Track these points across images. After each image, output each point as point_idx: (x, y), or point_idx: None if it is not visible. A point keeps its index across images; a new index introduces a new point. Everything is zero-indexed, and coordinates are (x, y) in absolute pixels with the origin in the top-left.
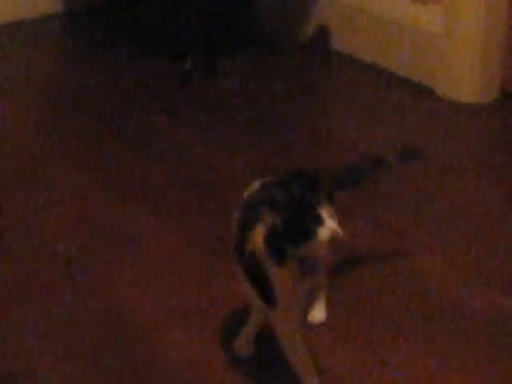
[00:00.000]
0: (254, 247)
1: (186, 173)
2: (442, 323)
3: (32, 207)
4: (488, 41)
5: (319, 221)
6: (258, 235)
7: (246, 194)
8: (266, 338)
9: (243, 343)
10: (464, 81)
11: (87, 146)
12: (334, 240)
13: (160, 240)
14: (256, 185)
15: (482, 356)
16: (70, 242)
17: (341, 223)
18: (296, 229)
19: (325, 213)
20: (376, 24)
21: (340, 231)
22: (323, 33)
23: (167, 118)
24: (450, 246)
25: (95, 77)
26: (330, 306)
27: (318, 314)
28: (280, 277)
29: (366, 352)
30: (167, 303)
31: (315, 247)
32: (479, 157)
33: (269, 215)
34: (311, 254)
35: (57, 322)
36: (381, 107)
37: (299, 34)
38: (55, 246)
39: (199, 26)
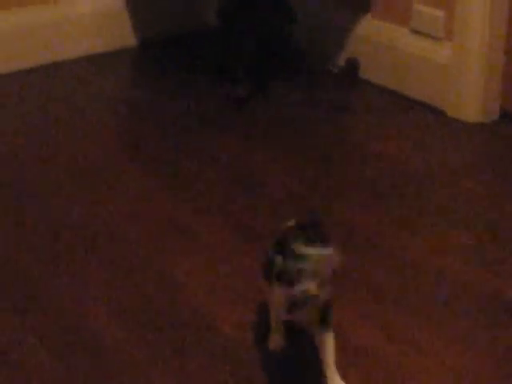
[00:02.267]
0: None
1: (235, 176)
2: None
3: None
4: (489, 71)
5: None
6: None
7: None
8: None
9: (277, 338)
10: (470, 104)
11: (153, 154)
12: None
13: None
14: (291, 222)
15: (477, 329)
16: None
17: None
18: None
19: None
20: (398, 56)
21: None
22: (353, 64)
23: (222, 133)
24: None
25: (161, 100)
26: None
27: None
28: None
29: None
30: (218, 286)
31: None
32: (479, 164)
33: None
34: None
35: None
36: (401, 126)
37: (333, 65)
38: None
39: (252, 58)
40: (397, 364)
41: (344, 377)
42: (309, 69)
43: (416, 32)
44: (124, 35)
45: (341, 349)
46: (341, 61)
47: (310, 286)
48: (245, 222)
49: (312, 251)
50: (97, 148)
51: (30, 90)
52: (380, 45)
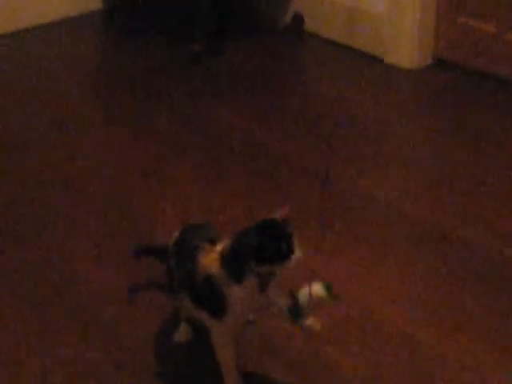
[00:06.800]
0: (207, 272)
1: (196, 121)
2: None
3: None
4: (422, 20)
5: (292, 248)
6: (211, 261)
7: (171, 243)
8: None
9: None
10: (404, 51)
11: (123, 107)
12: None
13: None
14: (176, 233)
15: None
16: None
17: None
18: (272, 251)
19: (296, 242)
20: (339, 10)
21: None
22: (299, 19)
23: (181, 85)
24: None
25: (127, 58)
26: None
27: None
28: (237, 293)
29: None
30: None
31: (283, 267)
32: (413, 105)
33: (225, 241)
34: (274, 271)
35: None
36: (343, 73)
37: (280, 21)
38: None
39: (206, 18)
40: (345, 286)
41: None
42: (258, 25)
43: None
44: (90, 0)
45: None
46: (287, 17)
47: None
48: (207, 162)
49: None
50: (71, 102)
51: (6, 53)
52: (322, 0)
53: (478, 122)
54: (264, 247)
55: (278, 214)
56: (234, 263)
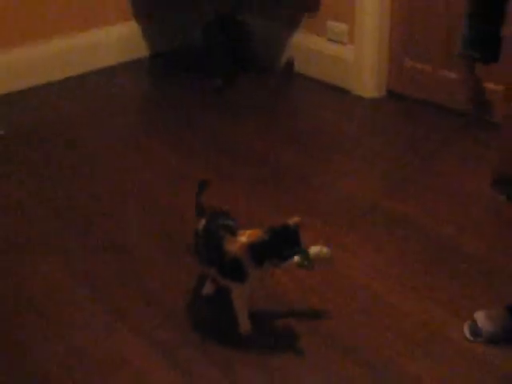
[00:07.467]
0: (233, 255)
1: (216, 139)
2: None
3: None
4: (378, 63)
5: (300, 248)
6: (236, 248)
7: (200, 227)
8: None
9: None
10: (366, 85)
11: (163, 129)
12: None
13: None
14: (203, 221)
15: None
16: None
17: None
18: (291, 253)
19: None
20: (320, 56)
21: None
22: (290, 63)
23: (206, 111)
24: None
25: (167, 93)
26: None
27: None
28: (255, 273)
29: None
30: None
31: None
32: (372, 123)
33: (248, 234)
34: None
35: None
36: (322, 101)
37: (275, 64)
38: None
39: (224, 62)
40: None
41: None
42: (261, 67)
43: (330, 40)
44: (139, 50)
45: None
46: (281, 61)
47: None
48: (223, 168)
49: None
50: (124, 126)
51: (70, 93)
52: (308, 49)
53: (416, 135)
54: (287, 253)
55: (292, 222)
56: (261, 256)
